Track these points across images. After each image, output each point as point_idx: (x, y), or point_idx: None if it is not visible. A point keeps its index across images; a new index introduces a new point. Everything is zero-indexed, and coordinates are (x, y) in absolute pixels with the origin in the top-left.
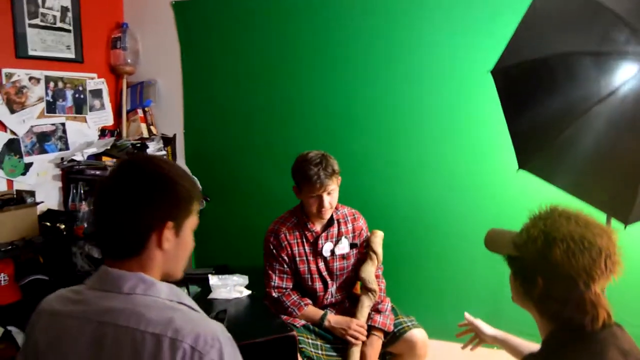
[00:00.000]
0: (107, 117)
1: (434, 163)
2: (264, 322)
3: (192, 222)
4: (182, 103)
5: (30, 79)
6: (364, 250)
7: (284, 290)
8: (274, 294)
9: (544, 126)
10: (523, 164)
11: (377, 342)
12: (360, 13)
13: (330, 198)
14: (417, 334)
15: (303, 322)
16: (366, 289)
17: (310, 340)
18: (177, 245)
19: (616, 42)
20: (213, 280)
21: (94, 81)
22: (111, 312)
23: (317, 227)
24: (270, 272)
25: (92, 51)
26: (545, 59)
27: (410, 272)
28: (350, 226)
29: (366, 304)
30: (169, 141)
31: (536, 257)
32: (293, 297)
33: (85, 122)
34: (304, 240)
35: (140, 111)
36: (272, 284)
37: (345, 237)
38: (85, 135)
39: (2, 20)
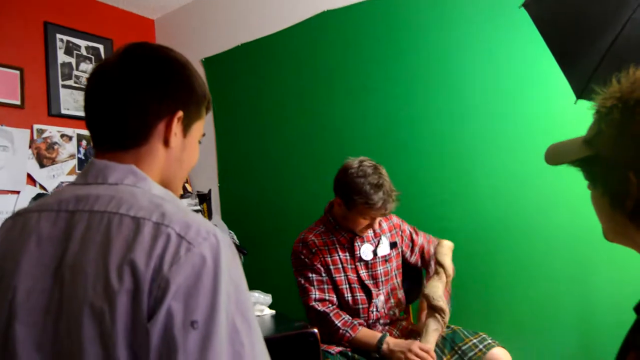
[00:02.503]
0: None
1: (489, 172)
2: (285, 325)
3: (199, 128)
4: (216, 158)
5: (62, 136)
6: (422, 263)
7: (330, 306)
8: (318, 307)
9: (596, 35)
10: (580, 92)
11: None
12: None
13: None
14: (501, 353)
15: (339, 348)
16: (432, 308)
17: None
18: (184, 147)
19: None
20: None
21: None
22: (87, 198)
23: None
24: (307, 285)
25: None
26: None
27: (482, 293)
28: (385, 225)
29: (432, 326)
30: (204, 198)
31: (617, 139)
32: (344, 316)
33: None
34: (337, 245)
35: None
36: (313, 296)
37: (384, 235)
38: None
39: (36, 80)
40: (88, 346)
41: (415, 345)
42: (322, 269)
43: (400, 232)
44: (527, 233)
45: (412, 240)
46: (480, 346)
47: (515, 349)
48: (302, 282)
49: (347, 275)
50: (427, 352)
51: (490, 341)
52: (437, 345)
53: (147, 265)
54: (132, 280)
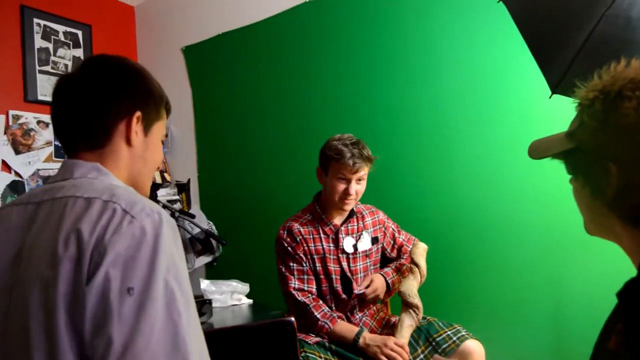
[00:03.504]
0: None
1: (465, 163)
2: (262, 314)
3: (161, 128)
4: (195, 147)
5: (39, 122)
6: (404, 263)
7: (310, 296)
8: (298, 297)
9: (571, 30)
10: (555, 86)
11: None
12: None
13: (358, 187)
14: (474, 346)
15: (317, 338)
16: (407, 305)
17: None
18: (146, 146)
19: None
20: (204, 284)
21: None
22: (52, 190)
23: (336, 220)
24: (287, 273)
25: None
26: None
27: (457, 284)
28: (369, 220)
29: (407, 322)
30: (183, 187)
31: (599, 130)
32: (323, 308)
33: None
34: (322, 235)
35: None
36: (292, 285)
37: (366, 231)
38: None
39: (11, 65)
40: (34, 314)
41: (390, 340)
42: (304, 258)
43: (383, 229)
44: (502, 226)
45: (394, 238)
46: (454, 338)
47: (488, 341)
48: (283, 270)
49: (328, 266)
50: (401, 346)
51: (464, 333)
52: (412, 336)
53: (91, 235)
54: (76, 247)
